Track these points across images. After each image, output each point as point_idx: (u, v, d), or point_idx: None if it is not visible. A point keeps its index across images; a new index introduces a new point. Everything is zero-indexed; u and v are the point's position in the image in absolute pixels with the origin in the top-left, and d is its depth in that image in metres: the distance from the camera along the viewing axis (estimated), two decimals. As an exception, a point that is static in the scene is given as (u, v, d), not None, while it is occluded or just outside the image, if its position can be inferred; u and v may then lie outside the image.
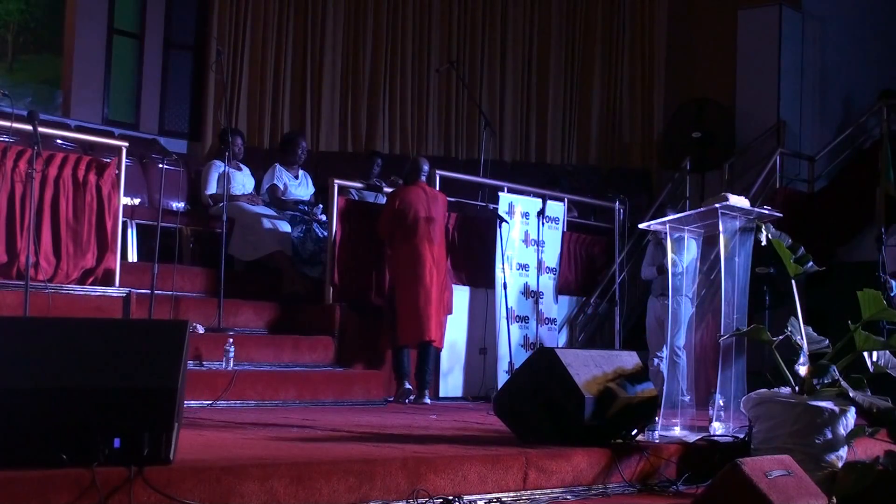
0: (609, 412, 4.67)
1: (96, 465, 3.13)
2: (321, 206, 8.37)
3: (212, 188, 8.19)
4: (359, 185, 8.42)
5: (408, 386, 7.38)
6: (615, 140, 12.19)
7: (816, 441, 4.73)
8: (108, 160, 6.67)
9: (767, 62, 11.47)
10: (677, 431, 5.37)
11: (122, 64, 10.45)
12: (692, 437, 5.14)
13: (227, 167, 7.87)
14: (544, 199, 8.84)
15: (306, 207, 8.37)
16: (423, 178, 7.78)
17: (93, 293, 6.36)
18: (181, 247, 7.40)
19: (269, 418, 5.53)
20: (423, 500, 3.80)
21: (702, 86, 11.81)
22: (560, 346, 8.83)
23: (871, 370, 5.06)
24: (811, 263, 5.24)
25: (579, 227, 9.75)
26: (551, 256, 8.91)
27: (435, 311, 7.49)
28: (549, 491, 4.26)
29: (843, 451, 4.84)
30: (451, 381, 8.15)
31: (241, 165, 8.42)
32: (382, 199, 8.37)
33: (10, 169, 6.10)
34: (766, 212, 5.76)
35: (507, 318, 8.14)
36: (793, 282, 5.27)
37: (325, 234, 7.90)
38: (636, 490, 4.55)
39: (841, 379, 4.81)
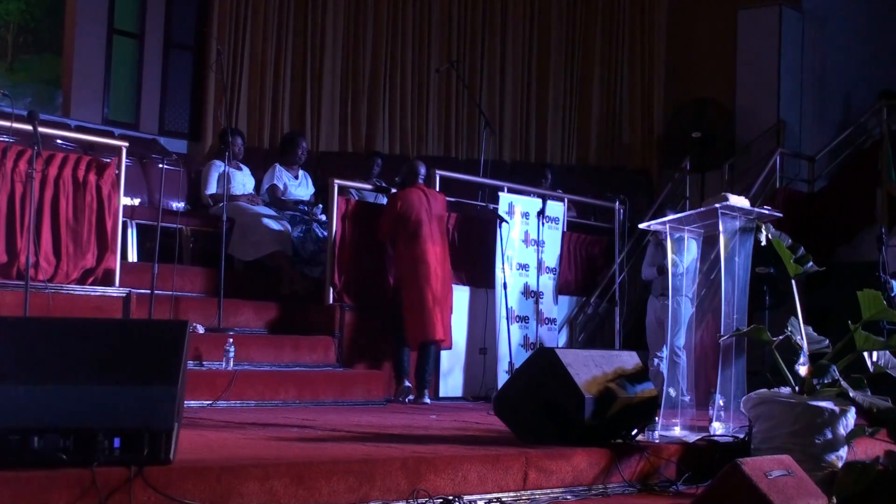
0: (609, 412, 4.67)
1: (96, 465, 3.13)
2: (321, 206, 8.37)
3: (212, 188, 8.19)
4: (362, 185, 8.43)
5: (407, 384, 7.40)
6: (615, 140, 12.19)
7: (816, 441, 4.73)
8: (108, 160, 6.67)
9: (767, 62, 11.48)
10: (677, 431, 5.37)
11: (122, 64, 10.45)
12: (692, 437, 5.14)
13: (227, 167, 7.87)
14: (544, 199, 8.83)
15: (306, 207, 8.37)
16: (421, 181, 7.79)
17: (93, 293, 6.35)
18: (181, 247, 7.40)
19: (269, 418, 5.53)
20: (423, 500, 3.80)
21: (702, 86, 11.80)
22: (560, 346, 8.83)
23: (871, 370, 5.06)
24: (811, 263, 5.24)
25: (579, 227, 9.75)
26: (551, 256, 8.91)
27: (440, 312, 7.50)
28: (549, 491, 4.26)
29: (843, 451, 4.84)
30: (451, 381, 8.15)
31: (241, 165, 8.42)
32: (382, 199, 8.37)
33: (10, 169, 6.10)
34: (766, 212, 5.76)
35: (507, 318, 8.14)
36: (793, 282, 5.27)
37: (325, 234, 7.90)
38: (636, 490, 4.55)
39: (841, 379, 4.82)
